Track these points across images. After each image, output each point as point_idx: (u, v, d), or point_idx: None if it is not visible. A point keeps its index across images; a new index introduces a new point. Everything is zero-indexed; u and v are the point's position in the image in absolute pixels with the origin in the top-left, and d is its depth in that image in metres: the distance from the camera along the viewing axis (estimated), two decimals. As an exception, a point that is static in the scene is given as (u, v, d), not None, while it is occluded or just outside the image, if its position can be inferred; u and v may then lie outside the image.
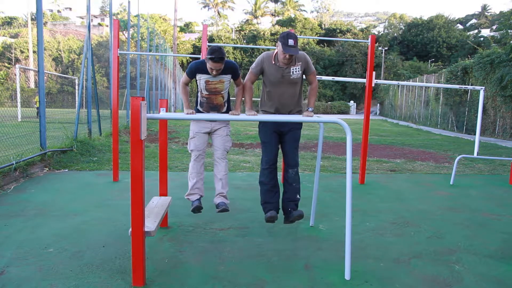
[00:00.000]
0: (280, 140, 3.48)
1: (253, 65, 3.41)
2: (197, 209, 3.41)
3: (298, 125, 3.52)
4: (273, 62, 3.32)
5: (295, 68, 3.32)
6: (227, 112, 3.41)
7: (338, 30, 46.61)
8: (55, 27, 44.12)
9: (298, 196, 3.43)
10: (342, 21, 57.70)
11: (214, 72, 3.07)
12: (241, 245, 3.33)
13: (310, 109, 3.41)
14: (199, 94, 3.33)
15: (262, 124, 3.50)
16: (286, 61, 3.24)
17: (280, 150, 3.58)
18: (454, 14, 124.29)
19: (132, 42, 15.21)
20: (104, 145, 8.70)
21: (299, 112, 3.52)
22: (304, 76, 3.49)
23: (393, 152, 9.92)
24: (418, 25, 47.02)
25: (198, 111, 3.43)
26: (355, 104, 39.68)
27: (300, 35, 42.26)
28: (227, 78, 3.18)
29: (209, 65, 3.04)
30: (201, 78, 3.08)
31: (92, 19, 11.97)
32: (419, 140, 13.28)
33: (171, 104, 26.83)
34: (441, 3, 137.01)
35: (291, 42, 3.11)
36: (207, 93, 3.09)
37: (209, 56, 3.00)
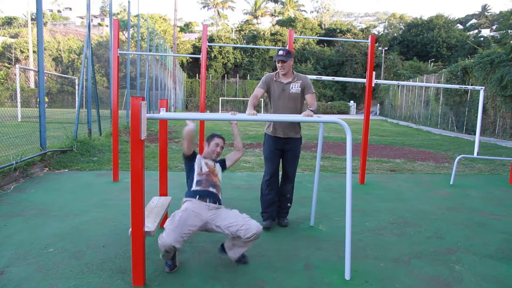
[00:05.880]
0: (282, 156, 3.84)
1: (259, 83, 3.85)
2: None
3: (299, 141, 3.83)
4: (275, 79, 3.79)
5: (295, 84, 3.73)
6: (220, 203, 3.06)
7: (338, 30, 46.60)
8: (55, 27, 44.02)
9: (289, 204, 3.93)
10: (342, 21, 57.66)
11: (215, 154, 3.30)
12: (241, 245, 3.32)
13: (310, 108, 3.43)
14: (195, 176, 3.17)
15: (267, 142, 3.87)
16: (281, 70, 3.69)
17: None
18: (454, 14, 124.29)
19: (132, 42, 15.19)
20: (104, 145, 8.71)
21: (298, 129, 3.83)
22: (304, 96, 3.77)
23: (393, 152, 9.92)
24: (418, 25, 46.98)
25: (193, 195, 3.03)
26: (355, 104, 39.68)
27: (300, 35, 42.25)
28: (217, 166, 3.33)
29: (213, 142, 3.30)
30: (201, 162, 3.22)
31: (92, 19, 11.97)
32: (419, 140, 13.28)
33: (171, 104, 26.82)
34: (441, 3, 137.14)
35: (281, 52, 3.66)
36: (207, 170, 3.19)
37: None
